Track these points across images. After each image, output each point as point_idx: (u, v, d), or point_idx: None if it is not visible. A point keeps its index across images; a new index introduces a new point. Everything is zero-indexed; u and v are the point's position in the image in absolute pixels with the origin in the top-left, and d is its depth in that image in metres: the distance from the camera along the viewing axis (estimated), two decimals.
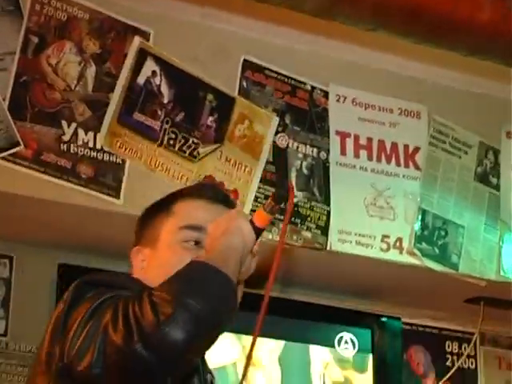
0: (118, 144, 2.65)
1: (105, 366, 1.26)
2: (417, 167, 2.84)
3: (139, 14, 2.79)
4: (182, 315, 1.25)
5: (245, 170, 2.86)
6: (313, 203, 2.72)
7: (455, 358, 3.14)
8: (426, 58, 2.93)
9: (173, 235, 1.65)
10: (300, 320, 3.03)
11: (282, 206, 1.54)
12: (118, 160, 2.65)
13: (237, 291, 1.38)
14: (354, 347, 3.03)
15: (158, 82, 2.84)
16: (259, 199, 2.76)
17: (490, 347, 3.23)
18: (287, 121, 2.86)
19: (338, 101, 2.84)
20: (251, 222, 1.51)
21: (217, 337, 1.35)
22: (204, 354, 1.49)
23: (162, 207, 1.71)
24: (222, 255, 1.42)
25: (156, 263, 1.67)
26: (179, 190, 1.78)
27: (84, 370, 1.27)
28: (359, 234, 2.66)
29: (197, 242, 1.61)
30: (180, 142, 2.86)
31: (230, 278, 1.35)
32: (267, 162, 2.64)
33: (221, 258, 1.40)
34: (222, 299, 1.33)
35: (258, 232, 1.51)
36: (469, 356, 3.16)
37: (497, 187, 3.03)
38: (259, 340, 1.46)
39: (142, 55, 2.78)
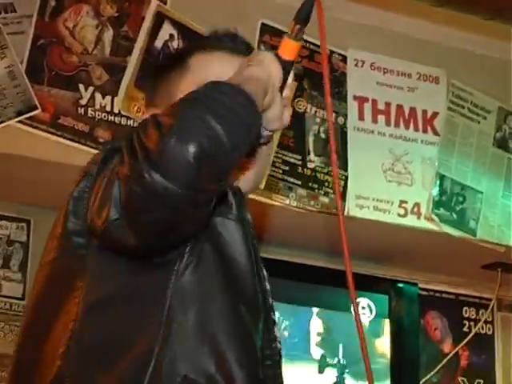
0: (136, 108, 2.62)
1: (121, 210, 1.10)
2: (435, 132, 2.82)
3: None
4: (190, 124, 1.08)
5: None
6: (330, 168, 2.70)
7: (472, 323, 3.10)
8: (445, 22, 2.91)
9: None
10: (316, 285, 3.01)
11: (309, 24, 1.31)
12: (135, 124, 2.62)
13: (261, 118, 1.19)
14: (371, 312, 3.02)
15: (175, 46, 2.80)
16: (277, 164, 2.71)
17: (507, 313, 3.22)
18: (305, 85, 2.83)
19: (356, 65, 2.82)
20: (277, 55, 1.28)
21: (229, 171, 1.15)
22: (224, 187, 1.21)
23: (176, 61, 1.51)
24: (243, 80, 1.20)
25: None
26: (196, 41, 1.56)
27: (103, 226, 1.12)
28: (377, 200, 2.66)
29: None
30: None
31: (252, 98, 1.14)
32: (285, 127, 2.58)
33: (241, 81, 1.19)
34: (242, 121, 1.14)
35: (288, 66, 1.29)
36: (486, 322, 3.13)
37: None
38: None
39: (160, 19, 2.76)
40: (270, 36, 2.88)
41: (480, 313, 3.18)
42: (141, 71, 2.66)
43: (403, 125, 2.79)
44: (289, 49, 1.28)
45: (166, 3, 2.70)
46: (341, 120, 2.77)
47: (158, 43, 2.77)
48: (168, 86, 1.45)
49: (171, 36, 2.80)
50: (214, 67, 1.43)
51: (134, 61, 2.62)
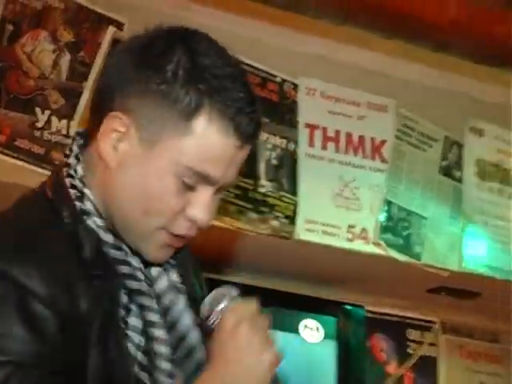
0: None
1: None
2: (383, 160, 2.86)
3: (114, 4, 2.75)
4: None
5: None
6: (281, 193, 2.74)
7: (417, 345, 3.15)
8: (395, 53, 2.96)
9: (178, 158, 1.32)
10: (266, 307, 2.96)
11: None
12: None
13: None
14: (319, 334, 3.04)
15: None
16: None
17: (450, 336, 3.27)
18: None
19: (307, 94, 2.85)
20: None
21: None
22: None
23: (180, 105, 1.29)
24: None
25: (139, 168, 1.35)
26: (208, 74, 1.32)
27: None
28: (326, 224, 2.67)
29: (191, 187, 1.34)
30: None
31: None
32: None
33: None
34: None
35: None
36: (430, 344, 3.18)
37: (460, 180, 3.04)
38: None
39: (116, 45, 2.72)
40: None
41: (424, 335, 3.22)
42: None
43: (352, 152, 2.82)
44: None
45: (122, 30, 2.70)
46: (291, 146, 2.80)
47: None
48: (160, 126, 1.32)
49: None
50: (219, 159, 1.33)
51: (90, 85, 2.62)
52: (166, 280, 1.43)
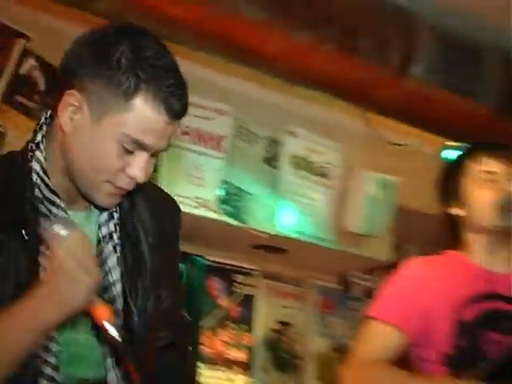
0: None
1: None
2: (222, 150, 3.15)
3: (25, 21, 3.04)
4: None
5: None
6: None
7: (242, 286, 3.41)
8: (236, 75, 3.30)
9: (119, 129, 1.45)
10: None
11: None
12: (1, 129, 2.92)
13: None
14: None
15: (36, 75, 3.16)
16: None
17: (266, 280, 3.51)
18: None
19: None
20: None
21: None
22: None
23: (122, 87, 1.43)
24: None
25: (89, 135, 1.48)
26: (146, 64, 1.44)
27: None
28: (179, 195, 2.82)
29: (130, 152, 1.47)
30: None
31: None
32: None
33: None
34: None
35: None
36: (251, 286, 3.44)
37: (278, 168, 3.35)
38: None
39: (25, 53, 3.08)
40: None
41: (248, 279, 3.46)
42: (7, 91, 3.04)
43: (202, 144, 3.12)
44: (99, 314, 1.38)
45: (29, 41, 3.05)
46: None
47: (23, 71, 3.10)
48: (103, 101, 1.44)
49: (34, 67, 3.13)
50: (151, 128, 1.46)
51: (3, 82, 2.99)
52: (107, 228, 1.58)
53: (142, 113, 1.42)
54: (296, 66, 2.95)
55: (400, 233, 3.80)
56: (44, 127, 1.55)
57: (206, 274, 3.36)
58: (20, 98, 3.14)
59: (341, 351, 3.53)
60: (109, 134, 1.44)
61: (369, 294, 3.55)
